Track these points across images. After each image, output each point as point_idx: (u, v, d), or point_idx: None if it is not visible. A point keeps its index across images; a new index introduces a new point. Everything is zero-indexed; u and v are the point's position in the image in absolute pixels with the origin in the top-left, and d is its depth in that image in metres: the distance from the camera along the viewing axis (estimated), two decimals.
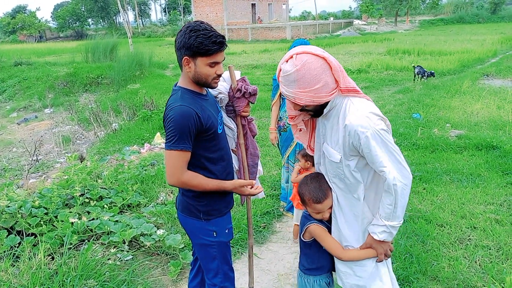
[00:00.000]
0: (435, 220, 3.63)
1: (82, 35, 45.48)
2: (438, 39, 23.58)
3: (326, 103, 1.69)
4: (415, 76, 11.16)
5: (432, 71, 11.10)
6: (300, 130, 1.94)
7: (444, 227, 3.53)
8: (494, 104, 7.83)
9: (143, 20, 62.99)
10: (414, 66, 11.52)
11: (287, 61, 1.62)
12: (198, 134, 1.81)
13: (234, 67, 2.09)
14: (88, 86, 14.21)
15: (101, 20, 56.77)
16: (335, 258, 1.92)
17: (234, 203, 2.18)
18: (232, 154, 2.17)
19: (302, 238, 1.95)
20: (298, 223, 2.47)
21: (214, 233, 2.00)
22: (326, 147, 1.79)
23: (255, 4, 41.12)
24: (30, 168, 6.61)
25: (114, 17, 57.17)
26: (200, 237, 2.01)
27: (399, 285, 2.74)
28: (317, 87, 1.59)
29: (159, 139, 6.97)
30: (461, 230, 3.45)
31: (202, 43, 1.71)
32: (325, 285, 1.99)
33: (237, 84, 2.04)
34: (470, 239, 3.33)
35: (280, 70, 1.65)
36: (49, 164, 7.35)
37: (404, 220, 3.57)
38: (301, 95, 1.61)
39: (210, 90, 2.04)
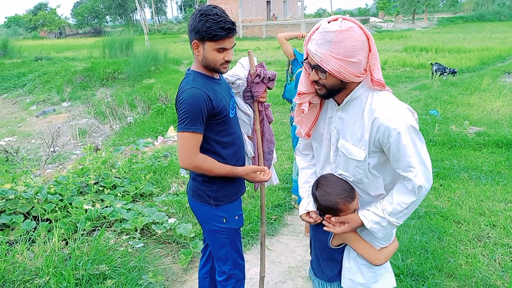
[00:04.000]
0: (452, 216, 3.53)
1: (100, 31, 46.07)
2: (457, 37, 23.06)
3: (344, 87, 1.50)
4: (432, 73, 10.93)
5: (455, 69, 10.81)
6: (303, 112, 1.66)
7: (462, 224, 3.44)
8: None
9: (159, 18, 63.50)
10: (431, 63, 11.28)
11: (329, 22, 1.43)
12: (209, 117, 1.80)
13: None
14: (105, 80, 14.39)
15: (118, 17, 57.44)
16: (344, 263, 1.75)
17: (246, 194, 2.15)
18: (248, 141, 2.15)
19: (331, 246, 1.72)
20: None
21: (224, 219, 1.98)
22: (345, 144, 1.57)
23: (270, 1, 40.96)
24: (47, 159, 6.74)
25: (131, 15, 57.79)
26: (210, 223, 2.00)
27: (414, 280, 2.69)
28: (350, 60, 1.40)
29: (173, 132, 7.01)
30: (480, 228, 3.35)
31: (210, 27, 1.70)
32: None
33: (256, 70, 2.02)
34: (489, 236, 3.23)
35: (317, 28, 1.45)
36: (66, 156, 7.48)
37: (419, 215, 3.52)
38: (331, 59, 1.40)
39: (228, 76, 2.03)
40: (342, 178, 1.64)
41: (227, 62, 1.82)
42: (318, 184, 1.66)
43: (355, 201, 1.61)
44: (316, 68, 1.47)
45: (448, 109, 7.32)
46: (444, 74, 10.61)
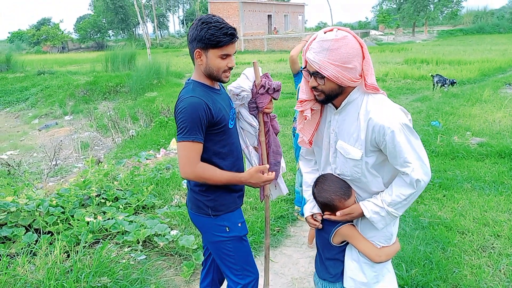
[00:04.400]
0: (455, 227, 3.51)
1: (102, 46, 46.58)
2: (457, 49, 23.23)
3: (341, 92, 1.60)
4: (434, 85, 10.98)
5: (454, 80, 10.88)
6: (306, 118, 1.76)
7: (466, 234, 3.41)
8: None
9: (161, 32, 64.29)
10: (432, 75, 11.34)
11: (325, 32, 1.55)
12: (208, 127, 1.79)
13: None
14: (107, 94, 14.51)
15: (121, 32, 58.15)
16: (345, 262, 1.79)
17: (249, 206, 2.12)
18: (254, 152, 2.12)
19: (333, 243, 1.78)
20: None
21: (227, 228, 1.94)
22: (342, 145, 1.67)
23: (271, 15, 41.51)
24: (49, 172, 6.74)
25: (133, 29, 58.54)
26: (213, 234, 1.96)
27: None
28: (346, 66, 1.51)
29: (175, 145, 7.03)
30: (484, 238, 3.32)
31: (213, 34, 1.71)
32: None
33: (261, 80, 2.01)
34: (493, 247, 3.20)
35: (315, 38, 1.56)
36: (68, 169, 7.50)
37: (423, 226, 3.50)
38: (329, 66, 1.51)
39: (233, 88, 2.03)
40: (340, 178, 1.74)
41: (230, 69, 1.83)
42: (317, 182, 1.79)
43: (351, 199, 1.70)
44: (315, 74, 1.58)
45: (449, 120, 7.33)
46: (445, 85, 10.66)
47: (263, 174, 1.89)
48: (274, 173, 1.94)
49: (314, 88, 1.63)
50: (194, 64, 1.86)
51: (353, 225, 1.78)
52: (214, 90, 1.88)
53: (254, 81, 2.04)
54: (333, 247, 1.79)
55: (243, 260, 2.01)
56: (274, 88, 2.00)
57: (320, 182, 1.76)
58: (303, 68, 1.65)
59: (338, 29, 1.54)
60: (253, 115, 2.08)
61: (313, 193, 1.79)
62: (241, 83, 2.04)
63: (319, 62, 1.53)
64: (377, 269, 1.75)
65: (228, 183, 1.87)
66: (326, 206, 1.72)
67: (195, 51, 1.78)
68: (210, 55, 1.76)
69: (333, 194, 1.69)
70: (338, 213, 1.68)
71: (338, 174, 1.75)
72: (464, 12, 53.59)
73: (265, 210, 2.20)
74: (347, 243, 1.78)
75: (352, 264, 1.76)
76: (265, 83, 1.99)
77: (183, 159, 1.77)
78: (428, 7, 45.07)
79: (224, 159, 1.90)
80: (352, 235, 1.74)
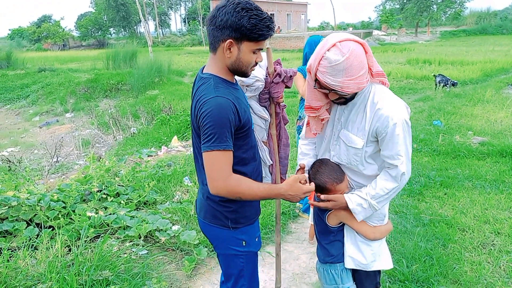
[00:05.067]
0: (456, 224, 3.51)
1: (104, 43, 46.58)
2: (459, 50, 23.18)
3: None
4: (436, 85, 10.97)
5: (455, 81, 10.86)
6: (323, 120, 1.81)
7: (466, 231, 3.41)
8: None
9: (163, 30, 64.28)
10: (434, 75, 11.33)
11: (329, 50, 1.54)
12: (235, 131, 1.56)
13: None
14: (108, 92, 14.50)
15: (122, 30, 58.12)
16: (345, 239, 1.91)
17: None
18: (265, 147, 1.94)
19: (330, 225, 1.89)
20: None
21: (244, 242, 1.75)
22: (347, 134, 1.75)
23: (274, 14, 41.49)
24: (50, 169, 6.75)
25: (135, 27, 58.51)
26: (228, 247, 1.76)
27: (419, 287, 2.67)
28: (361, 74, 1.56)
29: (176, 142, 7.03)
30: (484, 235, 3.33)
31: (256, 25, 1.47)
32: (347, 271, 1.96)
33: (275, 68, 1.84)
34: (494, 244, 3.20)
35: (321, 59, 1.56)
36: (69, 166, 7.51)
37: (424, 223, 3.50)
38: (350, 83, 1.55)
39: (244, 78, 1.76)
40: (331, 161, 1.85)
41: (256, 64, 1.63)
42: (313, 165, 1.89)
43: (343, 184, 1.80)
44: (335, 90, 1.61)
45: (451, 119, 7.33)
46: (447, 85, 10.64)
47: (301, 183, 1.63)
48: (313, 184, 1.70)
49: (334, 99, 1.70)
50: (213, 54, 1.59)
51: None
52: (234, 86, 1.64)
53: (267, 69, 1.85)
54: (331, 230, 1.91)
55: (251, 276, 1.86)
56: (290, 76, 1.85)
57: (316, 165, 1.87)
58: (318, 88, 1.67)
59: (340, 43, 1.54)
60: (264, 106, 1.91)
61: (309, 175, 1.87)
62: (254, 72, 1.79)
63: (340, 84, 1.56)
64: (374, 248, 1.87)
65: (265, 197, 1.62)
66: (319, 187, 1.81)
67: (226, 41, 1.51)
68: (244, 48, 1.53)
69: (326, 177, 1.79)
70: (322, 196, 1.78)
71: (335, 161, 1.85)
72: (467, 13, 53.40)
73: (276, 206, 2.09)
74: (343, 225, 1.89)
75: (350, 246, 1.88)
76: (280, 71, 1.82)
77: (214, 172, 1.51)
78: (431, 7, 45.00)
79: (248, 164, 1.70)
80: (347, 216, 1.83)
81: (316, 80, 1.63)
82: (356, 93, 1.68)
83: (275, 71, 1.84)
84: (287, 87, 1.90)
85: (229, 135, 1.51)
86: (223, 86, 1.56)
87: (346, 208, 1.79)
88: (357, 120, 1.71)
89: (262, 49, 1.59)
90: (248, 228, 1.76)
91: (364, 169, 1.77)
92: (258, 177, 1.79)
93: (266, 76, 1.86)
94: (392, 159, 1.66)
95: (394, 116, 1.61)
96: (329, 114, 1.82)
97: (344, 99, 1.69)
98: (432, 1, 44.88)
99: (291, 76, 1.87)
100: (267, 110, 1.93)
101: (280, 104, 1.95)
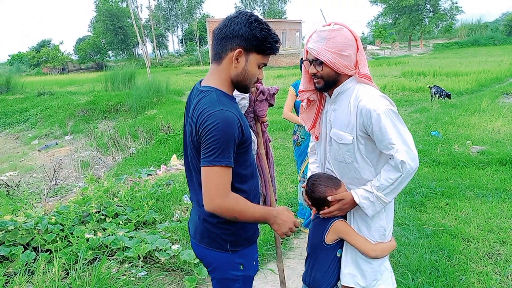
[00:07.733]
0: (460, 234, 3.46)
1: (102, 66, 46.98)
2: (453, 61, 23.45)
3: (338, 79, 1.74)
4: (432, 96, 11.03)
5: (449, 92, 10.91)
6: (310, 102, 1.92)
7: (471, 241, 3.36)
8: None
9: (161, 51, 65.04)
10: (430, 86, 11.40)
11: (324, 26, 1.74)
12: (237, 147, 1.50)
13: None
14: (107, 113, 14.55)
15: (120, 52, 58.85)
16: (342, 260, 1.84)
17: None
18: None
19: (325, 242, 1.81)
20: None
21: (241, 266, 1.65)
22: (335, 132, 1.80)
23: None
24: (48, 192, 6.69)
25: (133, 49, 59.25)
26: (225, 271, 1.66)
27: None
28: (342, 53, 1.68)
29: (175, 161, 7.01)
30: (490, 245, 3.27)
31: (266, 38, 1.48)
32: None
33: (257, 86, 1.88)
34: (500, 253, 3.15)
35: (315, 31, 1.74)
36: (68, 188, 7.45)
37: (427, 234, 3.45)
38: (326, 52, 1.67)
39: (240, 94, 1.79)
40: (329, 174, 1.87)
41: (257, 81, 1.63)
42: (308, 180, 1.88)
43: (341, 189, 1.80)
44: (314, 62, 1.73)
45: (449, 130, 7.33)
46: (442, 96, 10.70)
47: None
48: (298, 220, 1.69)
49: (313, 76, 1.77)
50: (217, 65, 1.55)
51: (345, 220, 1.86)
52: (235, 101, 1.59)
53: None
54: (326, 248, 1.83)
55: None
56: (273, 93, 1.92)
57: (310, 180, 1.88)
58: (304, 60, 1.79)
59: (335, 23, 1.73)
60: (250, 126, 1.88)
61: (307, 193, 1.87)
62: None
63: (317, 50, 1.69)
64: (375, 266, 1.80)
65: (260, 220, 1.57)
66: (319, 200, 1.80)
67: (236, 50, 1.48)
68: (252, 59, 1.51)
69: (323, 185, 1.80)
70: (329, 198, 1.77)
71: (333, 164, 1.86)
72: (459, 26, 54.32)
73: (275, 238, 2.06)
74: (339, 242, 1.83)
75: (349, 263, 1.82)
76: (263, 89, 1.88)
77: (213, 188, 1.44)
78: (423, 21, 45.78)
79: (247, 182, 1.62)
80: (347, 231, 1.80)
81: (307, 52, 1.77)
82: (334, 82, 1.74)
83: (258, 89, 1.89)
84: (270, 105, 1.94)
85: (232, 151, 1.46)
86: (226, 100, 1.51)
87: (354, 206, 1.78)
88: (343, 117, 1.77)
89: (265, 65, 1.58)
90: (247, 250, 1.68)
91: (359, 166, 1.77)
92: (256, 196, 1.72)
93: (250, 95, 1.91)
94: (386, 149, 1.67)
95: (376, 107, 1.65)
96: (312, 109, 1.91)
97: (323, 82, 1.75)
98: (424, 15, 45.67)
99: (273, 93, 1.93)
100: (253, 130, 1.93)
101: (264, 122, 1.98)
